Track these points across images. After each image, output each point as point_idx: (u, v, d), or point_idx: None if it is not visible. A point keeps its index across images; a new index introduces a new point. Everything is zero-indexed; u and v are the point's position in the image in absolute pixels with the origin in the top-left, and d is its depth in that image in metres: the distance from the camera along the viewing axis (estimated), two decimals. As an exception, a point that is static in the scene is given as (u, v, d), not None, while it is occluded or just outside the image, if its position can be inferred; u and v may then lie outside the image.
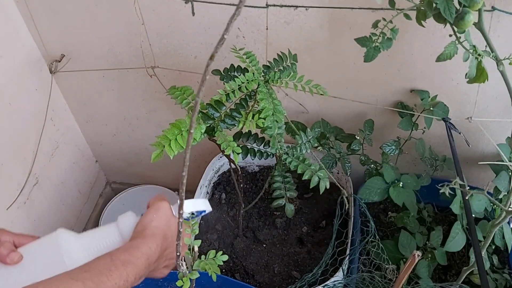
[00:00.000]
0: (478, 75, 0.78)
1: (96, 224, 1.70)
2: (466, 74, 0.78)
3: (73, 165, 1.58)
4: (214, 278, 0.79)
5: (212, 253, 0.83)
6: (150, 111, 1.46)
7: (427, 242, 1.14)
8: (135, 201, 1.68)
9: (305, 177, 0.96)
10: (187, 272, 0.76)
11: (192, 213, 0.82)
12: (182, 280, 0.76)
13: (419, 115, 1.17)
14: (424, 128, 1.18)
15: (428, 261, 1.12)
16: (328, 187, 0.97)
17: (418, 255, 0.81)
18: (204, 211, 0.85)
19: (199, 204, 0.84)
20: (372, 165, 1.20)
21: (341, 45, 1.12)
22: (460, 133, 1.03)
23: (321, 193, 0.96)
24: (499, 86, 0.86)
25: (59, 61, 1.29)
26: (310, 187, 0.96)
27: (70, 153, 1.55)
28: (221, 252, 0.82)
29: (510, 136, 1.11)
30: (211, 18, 1.13)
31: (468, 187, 0.94)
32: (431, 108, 1.15)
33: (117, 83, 1.38)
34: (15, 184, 1.29)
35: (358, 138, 1.22)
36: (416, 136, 1.22)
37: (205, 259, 0.82)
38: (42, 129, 1.36)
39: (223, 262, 1.28)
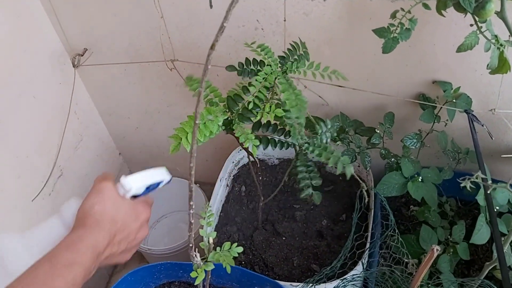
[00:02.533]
0: (501, 66, 0.76)
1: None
2: (488, 64, 0.75)
3: (97, 158, 1.61)
4: (228, 269, 0.79)
5: (227, 245, 0.83)
6: (170, 105, 1.47)
7: (449, 236, 1.12)
8: (156, 192, 1.70)
9: (330, 164, 0.94)
10: (201, 263, 0.77)
11: (148, 187, 0.75)
12: (196, 271, 0.78)
13: (441, 107, 1.14)
14: (447, 120, 1.16)
15: (450, 255, 1.10)
16: (353, 172, 0.95)
17: (437, 249, 0.80)
18: (162, 181, 0.78)
19: (152, 175, 0.76)
20: (392, 159, 1.18)
21: (361, 36, 1.11)
22: (483, 125, 1.01)
23: (347, 178, 0.94)
24: (523, 76, 0.84)
25: (82, 55, 1.31)
26: (337, 173, 0.95)
27: (94, 146, 1.58)
28: (236, 244, 0.82)
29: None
30: (230, 11, 1.13)
31: (491, 181, 0.92)
32: (454, 100, 1.12)
33: (138, 77, 1.39)
34: (40, 176, 1.32)
35: (378, 131, 1.20)
36: (438, 129, 1.20)
37: (220, 250, 0.83)
38: (66, 122, 1.39)
39: (243, 254, 1.30)
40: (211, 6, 1.02)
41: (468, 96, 1.14)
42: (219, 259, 0.80)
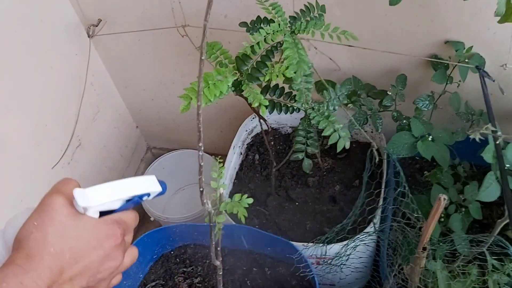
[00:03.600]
0: (509, 13, 0.75)
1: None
2: (495, 11, 0.75)
3: (114, 130, 1.65)
4: (242, 220, 0.80)
5: (237, 196, 0.85)
6: (184, 75, 1.49)
7: (461, 196, 1.12)
8: (174, 164, 1.73)
9: (326, 133, 0.96)
10: (212, 211, 0.78)
11: (128, 200, 0.58)
12: (206, 220, 0.79)
13: (454, 68, 1.13)
14: (459, 81, 1.15)
15: (462, 215, 1.10)
16: (347, 147, 0.96)
17: (445, 199, 0.80)
18: (147, 193, 0.59)
19: (132, 186, 0.57)
20: (404, 121, 1.18)
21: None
22: (494, 81, 1.00)
23: (338, 151, 0.96)
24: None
25: (96, 26, 1.34)
26: (329, 144, 0.96)
27: (111, 117, 1.61)
28: (246, 195, 0.84)
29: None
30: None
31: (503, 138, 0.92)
32: (466, 60, 1.11)
33: (152, 47, 1.41)
34: (59, 145, 1.36)
35: (390, 93, 1.20)
36: (451, 91, 1.19)
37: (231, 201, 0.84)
38: (82, 93, 1.42)
39: (256, 219, 1.32)
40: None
41: (481, 56, 1.12)
42: (232, 209, 0.81)
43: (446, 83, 1.17)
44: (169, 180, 1.92)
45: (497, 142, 0.85)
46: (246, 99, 1.00)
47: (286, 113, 1.06)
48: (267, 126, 1.26)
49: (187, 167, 1.70)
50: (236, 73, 1.01)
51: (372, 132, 1.37)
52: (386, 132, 1.28)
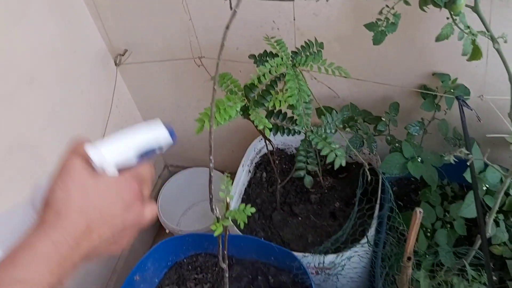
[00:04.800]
0: (474, 53, 0.88)
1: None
2: (462, 51, 0.88)
3: (135, 149, 1.80)
4: (241, 225, 0.94)
5: (242, 206, 0.98)
6: (199, 100, 1.65)
7: (447, 213, 1.23)
8: (188, 181, 1.88)
9: (323, 153, 1.09)
10: (220, 216, 0.92)
11: (141, 155, 0.60)
12: (215, 224, 0.93)
13: (441, 97, 1.26)
14: (446, 109, 1.27)
15: (448, 230, 1.21)
16: (344, 164, 1.08)
17: (420, 212, 0.92)
18: (159, 145, 0.61)
19: (140, 135, 0.59)
20: (396, 144, 1.31)
21: (365, 33, 1.23)
22: (472, 110, 1.12)
23: (335, 168, 1.08)
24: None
25: (123, 55, 1.51)
26: (327, 162, 1.09)
27: (132, 137, 1.76)
28: (249, 205, 0.96)
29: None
30: (248, 13, 1.29)
31: (483, 163, 1.03)
32: (451, 90, 1.23)
33: (171, 75, 1.58)
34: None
35: (384, 119, 1.33)
36: (440, 117, 1.31)
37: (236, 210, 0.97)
38: (108, 115, 1.58)
39: (262, 231, 1.44)
40: (231, 9, 1.19)
41: (465, 87, 1.25)
42: (235, 216, 0.95)
43: (435, 111, 1.29)
44: (183, 195, 2.07)
45: (468, 164, 0.97)
46: (253, 122, 1.14)
47: (288, 135, 1.20)
48: (273, 146, 1.40)
49: (200, 184, 1.84)
50: (244, 99, 1.15)
51: (369, 154, 1.50)
52: (381, 154, 1.40)
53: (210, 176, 0.84)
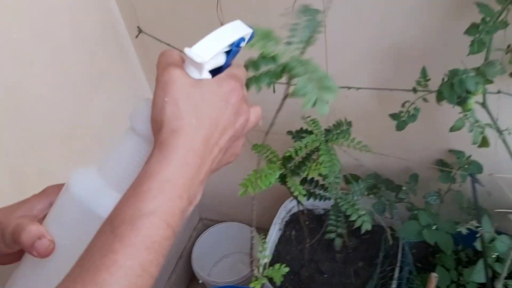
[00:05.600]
0: (483, 143, 1.05)
1: (189, 256, 2.03)
2: (472, 141, 1.05)
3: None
4: (278, 283, 1.09)
5: (277, 266, 1.14)
6: (237, 161, 1.82)
7: (460, 277, 1.36)
8: (221, 234, 2.04)
9: (352, 218, 1.25)
10: (259, 276, 1.08)
11: (227, 52, 0.55)
12: (253, 282, 1.08)
13: (455, 172, 1.41)
14: (461, 182, 1.42)
15: (461, 293, 1.34)
16: (369, 229, 1.24)
17: (436, 276, 1.06)
18: (242, 38, 0.55)
19: (225, 32, 0.54)
20: (415, 211, 1.45)
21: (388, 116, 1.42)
22: (483, 186, 1.27)
23: (362, 232, 1.23)
24: None
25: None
26: (354, 227, 1.24)
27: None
28: (284, 265, 1.12)
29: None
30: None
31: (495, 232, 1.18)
32: (465, 166, 1.39)
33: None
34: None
35: (404, 188, 1.49)
36: (455, 189, 1.46)
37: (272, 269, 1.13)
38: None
39: (292, 287, 1.58)
40: (273, 91, 1.38)
41: (478, 163, 1.40)
42: (272, 274, 1.11)
43: (450, 183, 1.45)
44: (216, 247, 2.23)
45: (478, 236, 1.11)
46: (289, 188, 1.31)
47: (320, 201, 1.36)
48: (303, 208, 1.56)
49: (232, 237, 1.99)
50: (282, 168, 1.33)
51: (391, 218, 1.64)
52: (402, 218, 1.55)
53: (252, 240, 1.00)
